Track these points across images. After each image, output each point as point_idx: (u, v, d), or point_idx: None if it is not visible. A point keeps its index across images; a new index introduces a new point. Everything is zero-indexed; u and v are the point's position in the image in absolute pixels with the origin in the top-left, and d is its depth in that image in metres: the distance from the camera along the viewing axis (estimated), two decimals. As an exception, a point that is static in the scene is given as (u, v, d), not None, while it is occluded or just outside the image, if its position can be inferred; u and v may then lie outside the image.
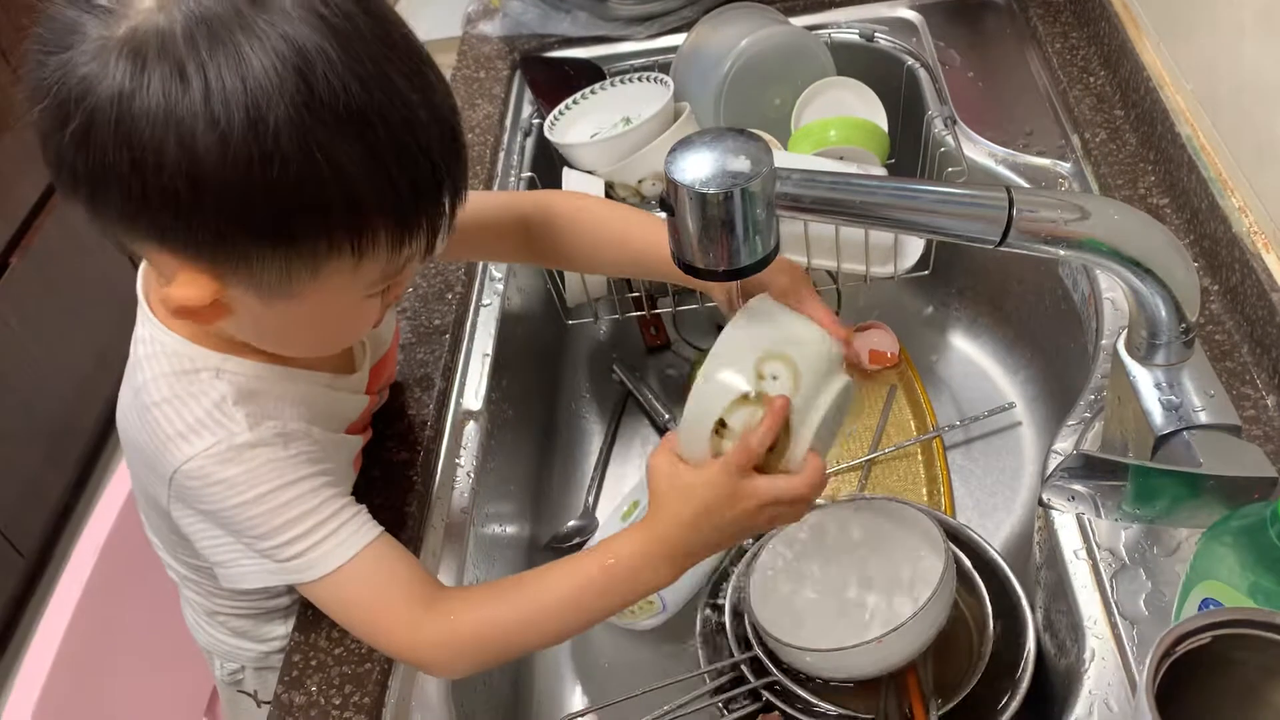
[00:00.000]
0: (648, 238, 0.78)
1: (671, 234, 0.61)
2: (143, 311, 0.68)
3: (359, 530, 0.66)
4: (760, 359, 0.63)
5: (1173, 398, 0.65)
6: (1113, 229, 0.61)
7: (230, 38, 0.52)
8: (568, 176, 1.09)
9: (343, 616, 0.68)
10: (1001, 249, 0.61)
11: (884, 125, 1.11)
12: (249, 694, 0.89)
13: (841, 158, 1.08)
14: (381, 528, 0.67)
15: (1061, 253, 0.61)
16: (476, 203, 0.78)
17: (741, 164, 0.58)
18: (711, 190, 0.57)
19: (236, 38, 0.52)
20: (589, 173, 1.09)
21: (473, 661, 0.69)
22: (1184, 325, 0.64)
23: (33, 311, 1.85)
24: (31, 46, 0.55)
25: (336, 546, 0.65)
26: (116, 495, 0.99)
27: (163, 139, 0.52)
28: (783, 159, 1.06)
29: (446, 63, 1.28)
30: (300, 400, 0.68)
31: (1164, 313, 0.64)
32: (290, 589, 0.79)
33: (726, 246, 0.60)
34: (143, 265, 0.68)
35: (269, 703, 0.75)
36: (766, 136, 1.11)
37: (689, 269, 0.62)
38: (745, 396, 0.62)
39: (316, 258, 0.57)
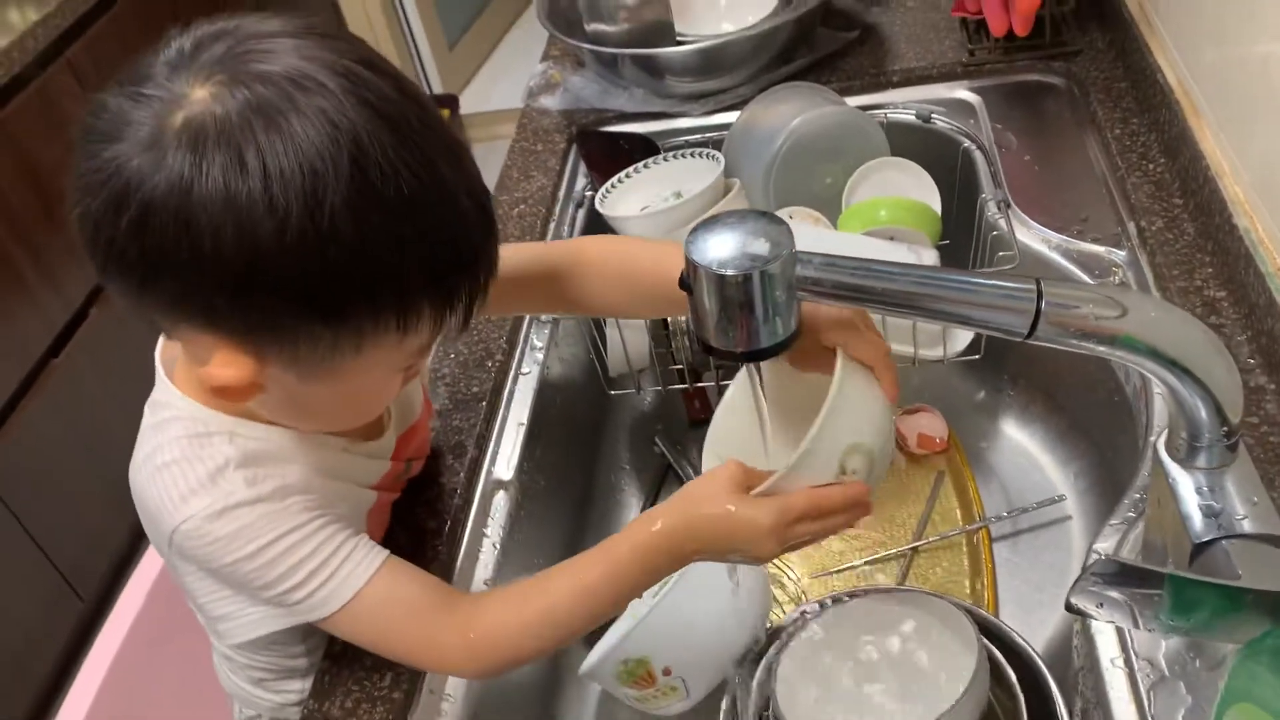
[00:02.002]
0: (674, 276, 0.77)
1: (691, 313, 0.61)
2: (160, 379, 0.69)
3: (363, 560, 0.67)
4: (846, 452, 0.63)
5: (1213, 503, 0.62)
6: (1148, 326, 0.59)
7: (286, 124, 0.53)
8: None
9: (363, 643, 0.70)
10: (1031, 342, 0.59)
11: (937, 207, 1.09)
12: None
13: (892, 238, 1.07)
14: (386, 551, 0.68)
15: (1094, 349, 0.59)
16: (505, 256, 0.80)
17: (761, 246, 0.58)
18: (730, 272, 0.57)
19: (292, 124, 0.53)
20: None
21: (493, 662, 0.70)
22: (1226, 428, 0.61)
23: (107, 362, 1.92)
24: (80, 137, 0.56)
25: (343, 581, 0.66)
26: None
27: (221, 225, 0.53)
28: (821, 238, 1.06)
29: (513, 132, 1.31)
30: (311, 461, 0.69)
31: (1204, 414, 0.61)
32: (307, 650, 0.80)
33: (744, 328, 0.60)
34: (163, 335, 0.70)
35: None
36: (816, 215, 1.11)
37: (707, 348, 0.62)
38: None
39: (362, 336, 0.59)
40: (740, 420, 0.77)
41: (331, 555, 0.66)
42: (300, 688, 0.82)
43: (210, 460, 0.65)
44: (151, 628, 1.00)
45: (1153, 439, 0.81)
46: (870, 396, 0.66)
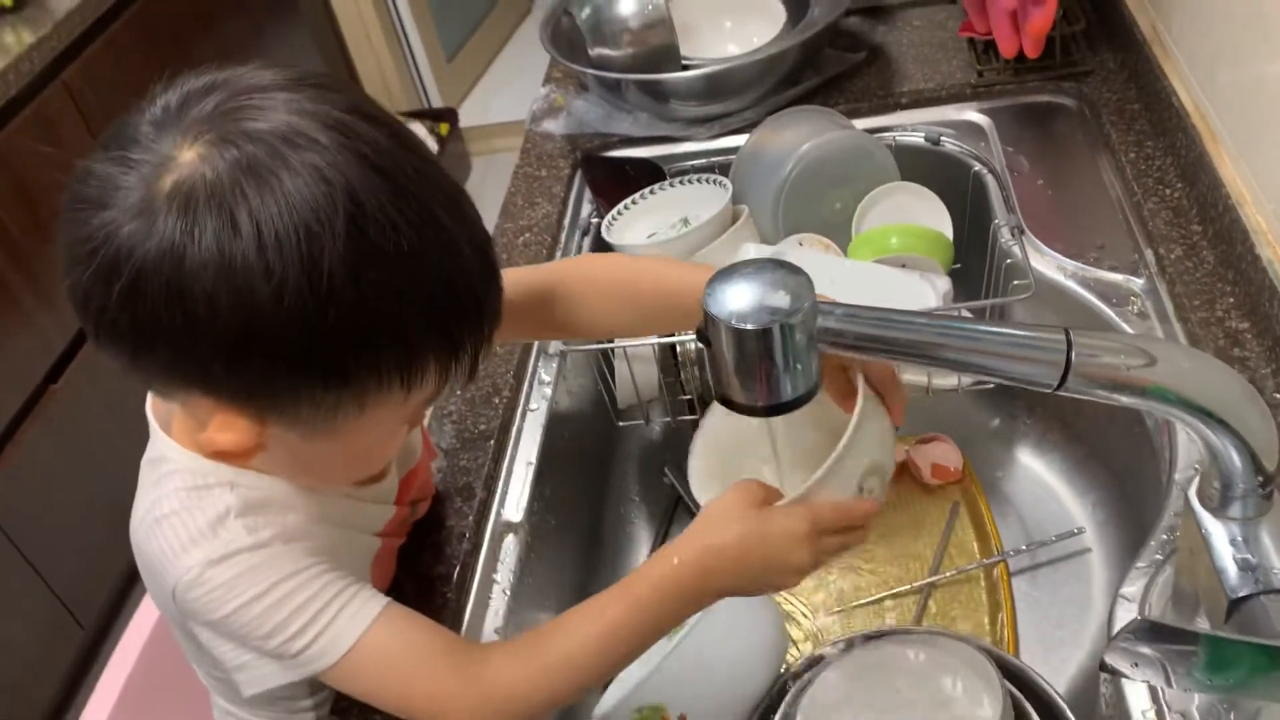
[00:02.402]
0: (658, 286, 0.76)
1: (710, 366, 0.60)
2: (155, 434, 0.67)
3: (362, 608, 0.64)
4: (866, 471, 0.65)
5: (1249, 556, 0.60)
6: (1180, 376, 0.57)
7: (278, 183, 0.52)
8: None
9: (369, 694, 0.67)
10: (1060, 393, 0.57)
11: (949, 232, 1.08)
12: None
13: (904, 265, 1.05)
14: (386, 599, 0.66)
15: (1125, 400, 0.58)
16: None
17: (781, 299, 0.56)
18: (749, 326, 0.55)
19: (284, 183, 0.52)
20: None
21: (509, 715, 0.67)
22: (1261, 477, 0.60)
23: (107, 388, 1.90)
24: (67, 205, 0.55)
25: (342, 630, 0.63)
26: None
27: (215, 291, 0.52)
28: (832, 266, 1.04)
29: (512, 145, 1.29)
30: (313, 509, 0.67)
31: (1238, 464, 0.59)
32: (314, 704, 0.78)
33: (765, 382, 0.58)
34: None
35: None
36: (826, 241, 1.09)
37: (726, 402, 0.60)
38: None
39: (365, 395, 0.57)
40: (726, 446, 0.79)
41: (329, 603, 0.63)
42: None
43: (211, 509, 0.63)
44: (154, 668, 0.99)
45: (1176, 476, 0.80)
46: (885, 417, 0.67)
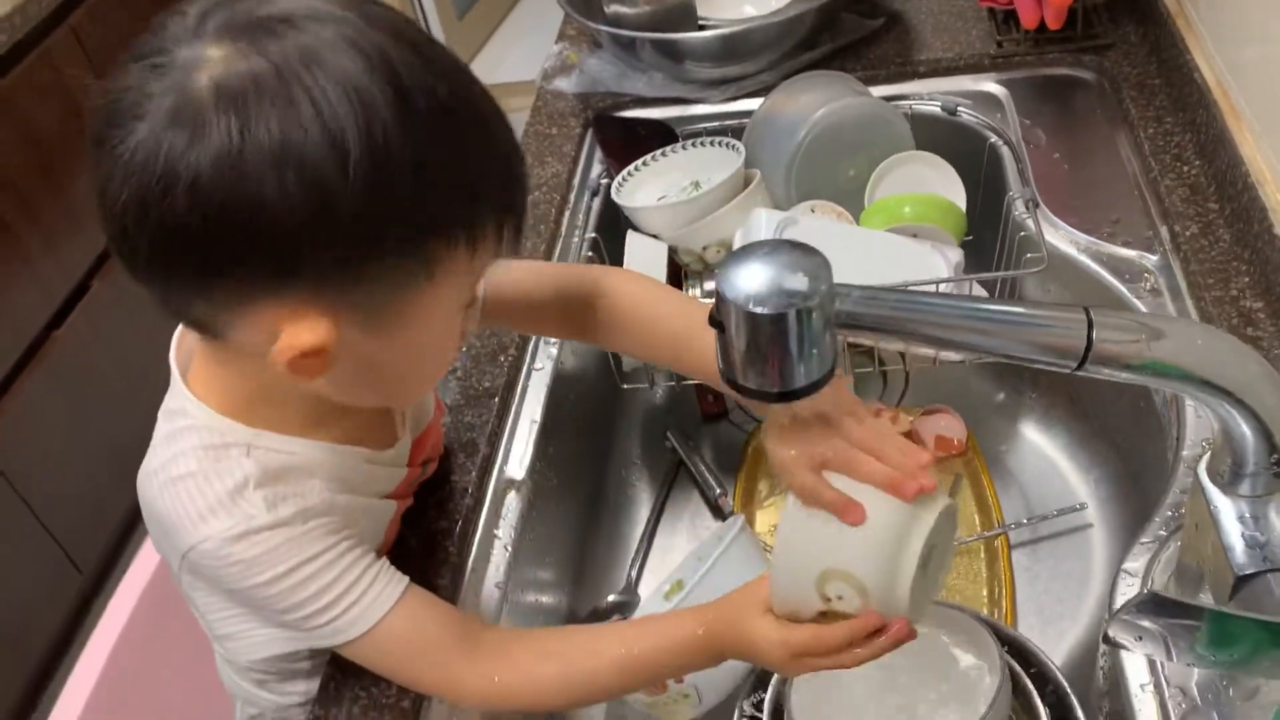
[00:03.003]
0: (704, 351, 0.72)
1: (720, 351, 0.57)
2: (176, 384, 0.67)
3: (385, 588, 0.66)
4: (820, 581, 0.60)
5: (1258, 534, 0.60)
6: (1196, 354, 0.57)
7: (319, 60, 0.52)
8: (631, 239, 1.07)
9: (382, 670, 0.69)
10: (1079, 374, 0.56)
11: (962, 203, 1.07)
12: None
13: (915, 235, 1.04)
14: (407, 579, 0.67)
15: (1143, 379, 0.57)
16: (521, 275, 0.79)
17: (798, 281, 0.53)
18: (764, 310, 0.53)
19: (324, 58, 0.52)
20: (653, 236, 1.07)
21: (514, 709, 0.71)
22: (1275, 455, 0.59)
23: (108, 335, 1.89)
24: (100, 128, 0.53)
25: (365, 610, 0.65)
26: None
27: (283, 175, 0.51)
28: (844, 235, 1.03)
29: (523, 104, 1.28)
30: (332, 474, 0.67)
31: (1252, 441, 0.59)
32: (311, 653, 0.78)
33: (779, 368, 0.55)
34: (177, 335, 0.68)
35: None
36: (838, 209, 1.08)
37: (738, 388, 0.57)
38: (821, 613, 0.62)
39: (434, 259, 0.57)
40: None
41: (355, 583, 0.64)
42: (305, 689, 0.80)
43: (229, 477, 0.62)
44: (155, 612, 0.99)
45: (1185, 453, 0.80)
46: (829, 521, 0.59)
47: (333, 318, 0.56)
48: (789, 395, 0.56)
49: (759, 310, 0.53)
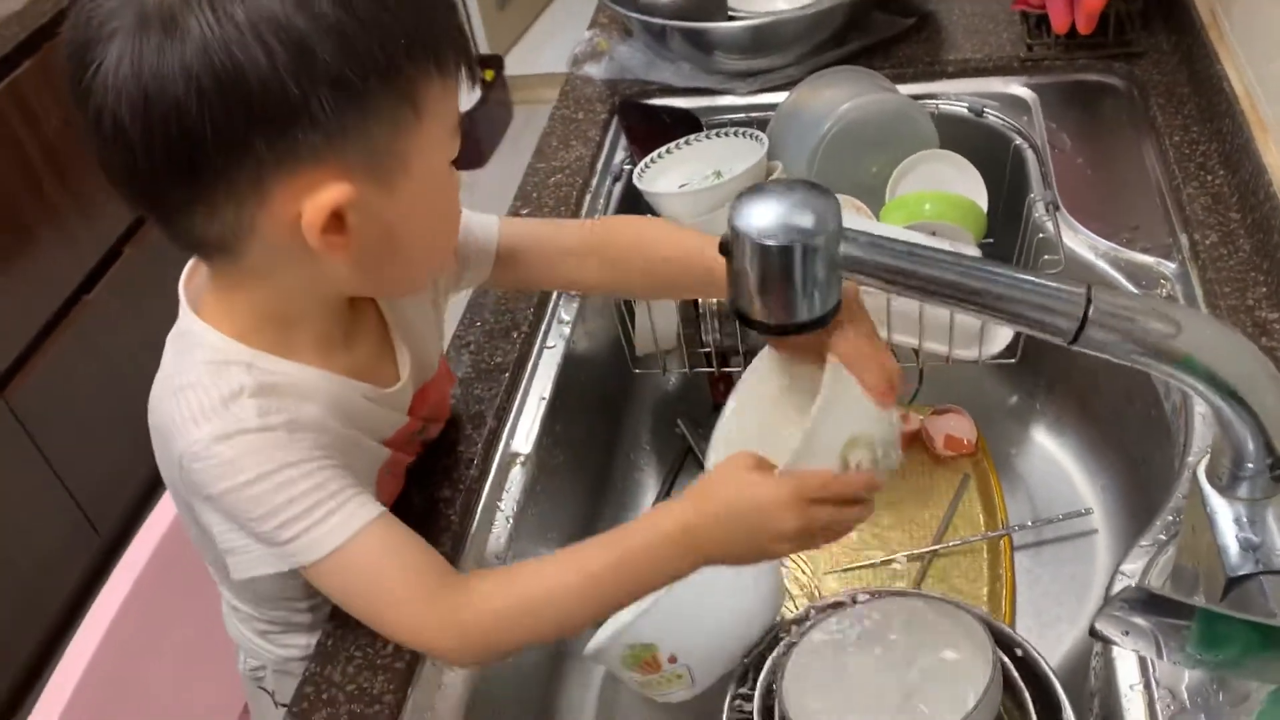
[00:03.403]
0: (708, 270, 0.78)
1: (729, 279, 0.60)
2: (183, 308, 0.69)
3: (359, 510, 0.65)
4: (847, 446, 0.63)
5: (1252, 536, 0.60)
6: (1201, 346, 0.57)
7: None
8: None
9: (346, 600, 0.68)
10: (1075, 348, 0.57)
11: (983, 203, 1.07)
12: (267, 692, 0.89)
13: (934, 233, 1.04)
14: (382, 508, 0.66)
15: (1141, 363, 0.57)
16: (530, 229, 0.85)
17: (806, 219, 0.56)
18: (771, 242, 0.56)
19: None
20: (674, 220, 1.07)
21: (484, 648, 0.67)
22: (1272, 459, 0.59)
23: (137, 301, 1.92)
24: (76, 62, 0.56)
25: (335, 527, 0.64)
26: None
27: (264, 40, 0.54)
28: (869, 227, 1.03)
29: (553, 98, 1.29)
30: (330, 403, 0.68)
31: (1251, 443, 0.58)
32: (311, 606, 0.79)
33: (782, 301, 0.58)
34: (187, 269, 0.70)
35: (285, 706, 0.75)
36: (858, 203, 1.08)
37: (742, 317, 0.61)
38: None
39: (413, 88, 0.60)
40: (749, 421, 0.75)
41: (326, 499, 0.64)
42: (305, 643, 0.81)
43: (225, 386, 0.64)
44: (165, 571, 1.01)
45: (1190, 460, 0.80)
46: (857, 389, 0.65)
47: (345, 173, 0.59)
48: (787, 329, 0.59)
49: (765, 242, 0.55)
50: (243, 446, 0.63)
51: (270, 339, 0.67)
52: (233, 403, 0.64)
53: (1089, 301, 0.55)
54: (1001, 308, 0.58)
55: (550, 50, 3.27)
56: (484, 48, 3.22)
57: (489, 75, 3.04)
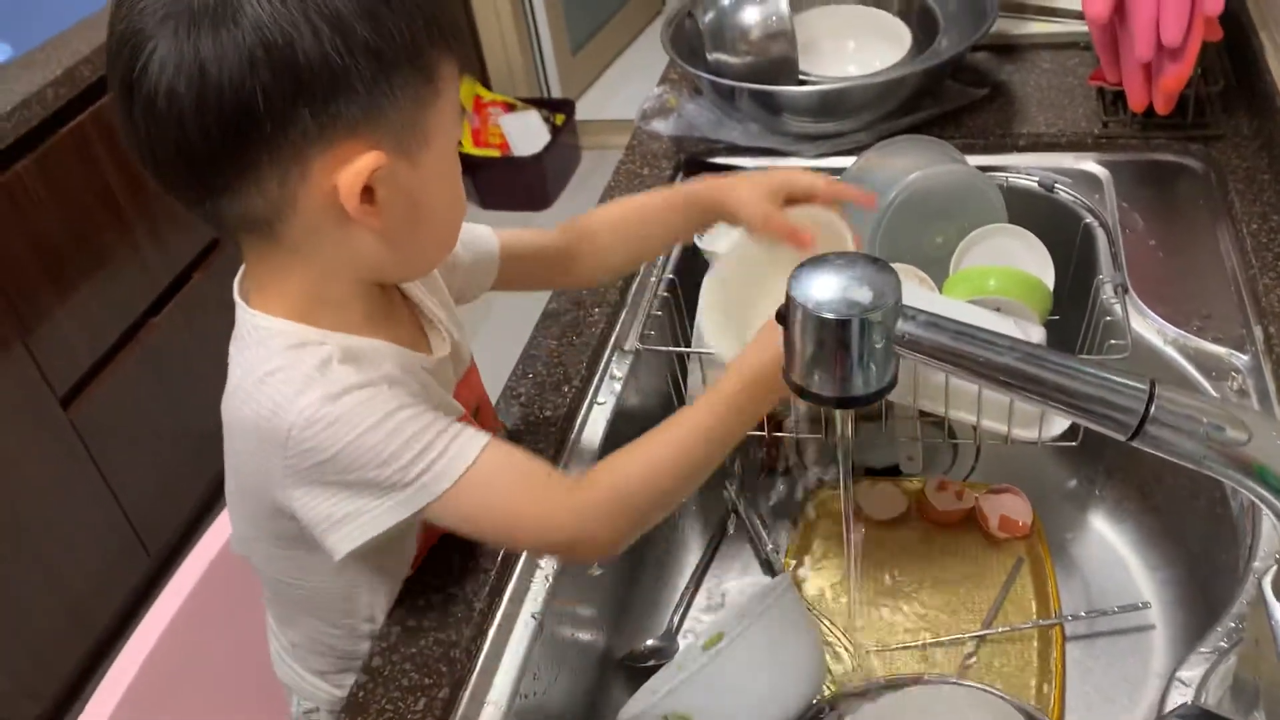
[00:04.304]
0: (666, 200, 0.97)
1: (785, 348, 0.61)
2: (243, 311, 0.72)
3: (473, 435, 0.70)
4: None
5: (1320, 657, 0.57)
6: (1271, 455, 0.54)
7: None
8: (708, 283, 1.07)
9: (478, 519, 0.71)
10: (1135, 444, 0.55)
11: (1050, 281, 1.05)
12: None
13: (999, 308, 1.02)
14: (488, 434, 0.71)
15: (1206, 468, 0.55)
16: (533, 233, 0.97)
17: (864, 294, 0.57)
18: (828, 315, 0.56)
19: None
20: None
21: (613, 524, 0.73)
22: (1345, 576, 0.56)
23: (203, 327, 1.96)
24: (124, 66, 0.62)
25: (460, 451, 0.69)
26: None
27: (311, 19, 0.60)
28: (923, 300, 1.01)
29: (626, 143, 1.29)
30: (400, 366, 0.73)
31: (1322, 559, 0.56)
32: (369, 618, 0.81)
33: (836, 374, 0.59)
34: (239, 274, 0.74)
35: None
36: (921, 274, 1.07)
37: (796, 389, 0.61)
38: None
39: (433, 68, 0.66)
40: (733, 292, 0.93)
41: (442, 431, 0.69)
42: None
43: (313, 358, 0.68)
44: (212, 597, 1.02)
45: (1256, 565, 0.76)
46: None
47: (376, 146, 0.64)
48: (845, 403, 0.59)
49: (821, 314, 0.56)
50: (351, 402, 0.67)
51: (329, 317, 0.71)
52: (327, 369, 0.68)
53: (1152, 397, 0.54)
54: (1058, 398, 0.57)
55: (621, 97, 3.31)
56: (556, 92, 3.27)
57: (559, 119, 3.08)
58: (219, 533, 1.11)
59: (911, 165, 1.08)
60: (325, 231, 0.67)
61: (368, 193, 0.65)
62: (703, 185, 0.94)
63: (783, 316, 0.60)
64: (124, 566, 1.91)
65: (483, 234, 0.92)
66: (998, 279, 1.02)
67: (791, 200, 0.89)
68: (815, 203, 0.90)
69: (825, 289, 0.57)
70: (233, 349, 0.73)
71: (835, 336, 0.57)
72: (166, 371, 1.93)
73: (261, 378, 0.68)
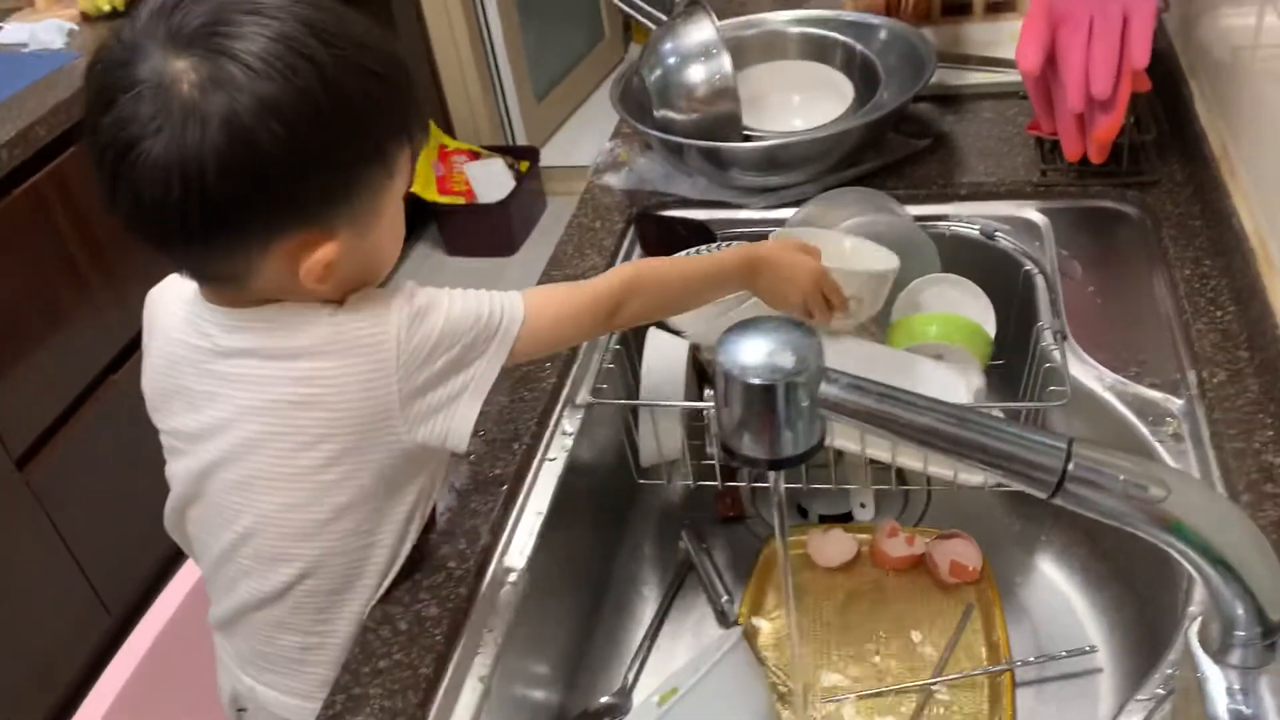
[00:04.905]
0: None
1: (717, 413, 0.63)
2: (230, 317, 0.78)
3: (508, 290, 0.82)
4: (856, 293, 1.01)
5: (1244, 709, 0.58)
6: (1190, 511, 0.56)
7: (254, 36, 0.67)
8: (652, 336, 1.07)
9: (559, 324, 0.85)
10: (1055, 503, 0.56)
11: (991, 328, 1.07)
12: None
13: (941, 355, 1.04)
14: None
15: (1126, 524, 0.56)
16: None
17: (788, 359, 0.58)
18: (753, 380, 0.58)
19: (259, 32, 0.67)
20: (676, 333, 1.08)
21: (634, 294, 0.89)
22: (1263, 627, 0.57)
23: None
24: (115, 157, 0.67)
25: (511, 297, 0.81)
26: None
27: (270, 124, 0.66)
28: (863, 350, 1.03)
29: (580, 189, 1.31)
30: None
31: (1241, 610, 0.57)
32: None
33: (765, 436, 0.60)
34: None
35: None
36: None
37: (728, 451, 0.63)
38: None
39: (391, 160, 0.73)
40: None
41: (489, 289, 0.81)
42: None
43: (380, 300, 0.77)
44: (170, 654, 1.02)
45: (1191, 609, 0.78)
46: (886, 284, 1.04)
47: (332, 235, 0.72)
48: (776, 464, 0.61)
49: (746, 379, 0.58)
50: (424, 296, 0.77)
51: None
52: (382, 293, 0.77)
53: (1069, 456, 0.55)
54: (979, 457, 0.58)
55: (586, 143, 3.34)
56: (521, 139, 3.30)
57: (524, 166, 3.11)
58: (176, 591, 1.11)
59: (847, 216, 1.10)
60: (288, 281, 0.73)
61: (325, 267, 0.72)
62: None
63: (711, 380, 0.61)
64: (86, 627, 1.88)
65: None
66: (940, 325, 1.04)
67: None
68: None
69: (751, 354, 0.59)
70: (260, 352, 0.76)
71: (762, 400, 0.59)
72: (125, 430, 1.91)
73: (340, 323, 0.74)
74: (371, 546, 0.82)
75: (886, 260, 1.05)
